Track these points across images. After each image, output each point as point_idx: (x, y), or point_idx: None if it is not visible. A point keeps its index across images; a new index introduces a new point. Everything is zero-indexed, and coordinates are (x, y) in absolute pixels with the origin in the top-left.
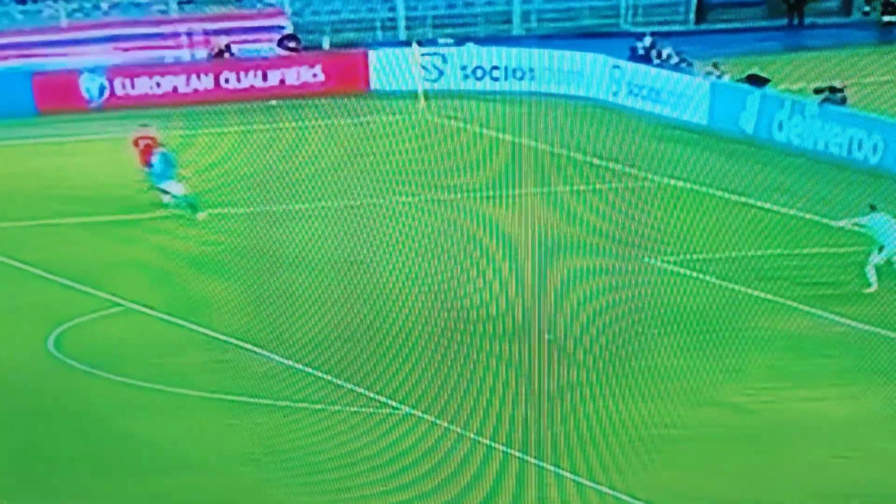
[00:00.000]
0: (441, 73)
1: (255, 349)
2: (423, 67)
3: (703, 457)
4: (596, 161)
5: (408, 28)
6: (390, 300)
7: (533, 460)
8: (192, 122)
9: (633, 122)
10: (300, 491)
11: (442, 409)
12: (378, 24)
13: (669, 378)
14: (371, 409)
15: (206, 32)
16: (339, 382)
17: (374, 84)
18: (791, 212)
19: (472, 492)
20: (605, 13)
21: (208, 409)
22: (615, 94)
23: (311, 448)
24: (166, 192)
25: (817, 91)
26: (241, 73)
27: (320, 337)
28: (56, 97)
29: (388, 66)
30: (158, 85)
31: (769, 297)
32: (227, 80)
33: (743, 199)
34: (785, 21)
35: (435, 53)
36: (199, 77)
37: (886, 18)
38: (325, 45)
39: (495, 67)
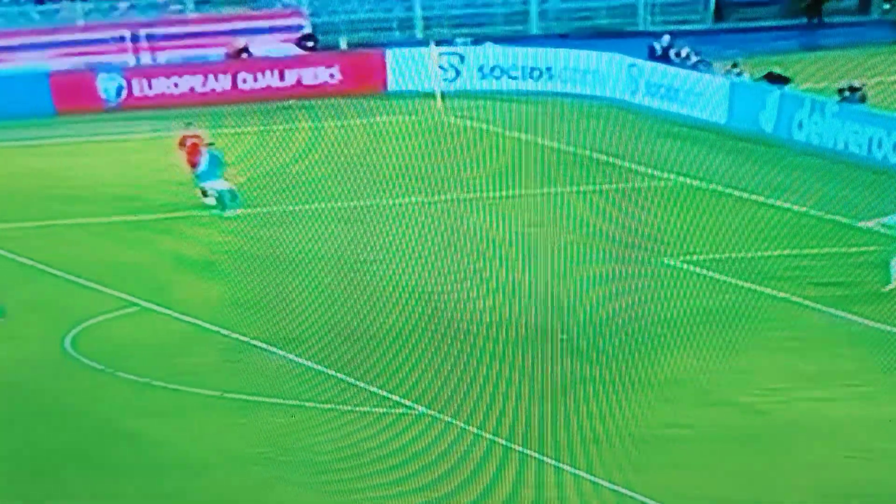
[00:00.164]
0: (458, 72)
1: (270, 348)
2: (441, 67)
3: (713, 457)
4: (613, 161)
5: (425, 28)
6: (403, 300)
7: (550, 461)
8: (209, 122)
9: (651, 121)
10: (311, 490)
11: (457, 410)
12: (395, 23)
13: (680, 378)
14: (385, 409)
15: (223, 33)
16: (351, 381)
17: (392, 84)
18: (811, 211)
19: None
20: (623, 12)
21: (222, 408)
22: (633, 93)
23: (322, 447)
24: (209, 194)
25: (840, 91)
26: (259, 74)
27: (332, 335)
28: (74, 97)
29: (406, 66)
30: (176, 85)
31: (784, 295)
32: (244, 81)
33: (761, 198)
34: (804, 20)
35: (452, 53)
36: (216, 77)
37: None
38: (343, 44)
39: (513, 67)
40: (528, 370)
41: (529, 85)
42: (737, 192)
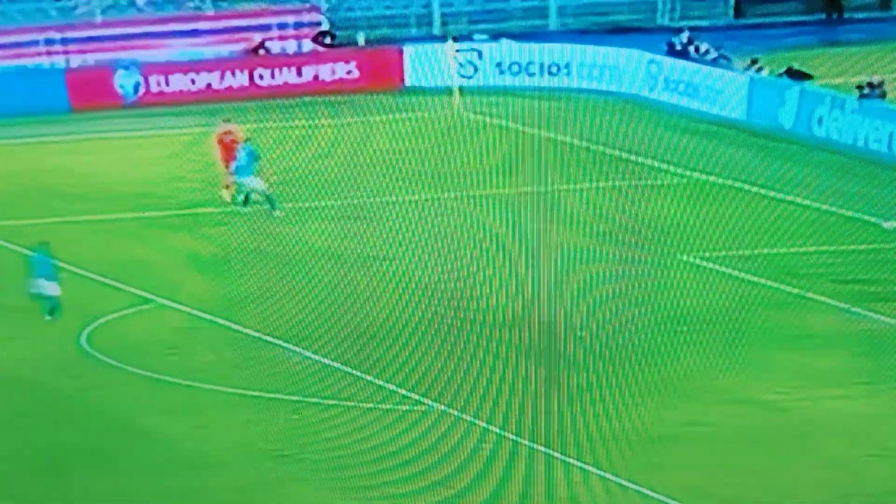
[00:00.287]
0: (476, 69)
1: (285, 345)
2: (459, 63)
3: (731, 455)
4: (631, 157)
5: (443, 24)
6: (418, 296)
7: (560, 455)
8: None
9: (669, 117)
10: (325, 487)
11: (477, 408)
12: (413, 19)
13: (698, 375)
14: (399, 406)
15: (240, 29)
16: (366, 378)
17: (409, 80)
18: (830, 208)
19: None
20: (642, 8)
21: (237, 405)
22: (651, 89)
23: (336, 443)
24: (242, 191)
25: (860, 87)
26: (276, 70)
27: (347, 332)
28: (90, 94)
29: (423, 63)
30: (193, 82)
31: (802, 293)
32: (261, 77)
33: (780, 195)
34: (824, 16)
35: (470, 49)
36: (233, 73)
37: None
38: (360, 41)
39: (531, 63)
40: (544, 367)
41: (547, 81)
42: (755, 189)
